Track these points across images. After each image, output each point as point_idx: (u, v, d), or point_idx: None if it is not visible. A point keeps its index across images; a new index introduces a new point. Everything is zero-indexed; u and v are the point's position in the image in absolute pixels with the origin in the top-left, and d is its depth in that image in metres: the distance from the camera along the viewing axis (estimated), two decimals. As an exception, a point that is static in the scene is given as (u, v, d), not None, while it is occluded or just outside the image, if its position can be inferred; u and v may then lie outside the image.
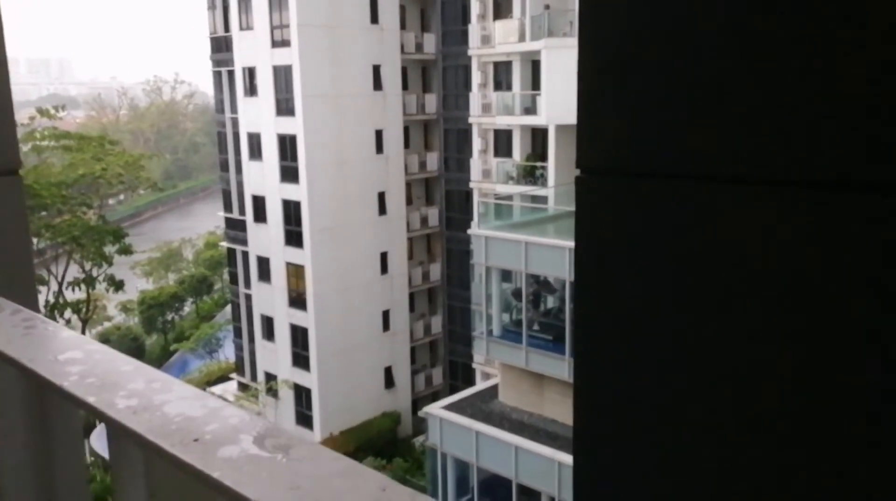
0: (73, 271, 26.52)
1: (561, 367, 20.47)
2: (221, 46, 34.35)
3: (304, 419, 32.37)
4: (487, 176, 30.27)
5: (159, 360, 46.64)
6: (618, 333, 1.02)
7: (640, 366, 1.00)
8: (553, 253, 20.03)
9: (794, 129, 0.87)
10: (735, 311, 0.92)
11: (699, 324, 0.94)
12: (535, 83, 28.27)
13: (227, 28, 33.84)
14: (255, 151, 32.58)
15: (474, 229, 23.34)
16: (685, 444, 0.96)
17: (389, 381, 34.06)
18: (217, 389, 37.21)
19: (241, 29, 32.26)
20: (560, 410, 20.90)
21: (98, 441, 37.34)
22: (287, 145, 30.98)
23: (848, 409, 0.84)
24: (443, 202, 34.40)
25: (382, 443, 31.81)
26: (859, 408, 0.83)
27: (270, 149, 31.71)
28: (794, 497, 0.89)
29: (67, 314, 26.21)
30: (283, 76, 30.63)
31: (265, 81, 31.40)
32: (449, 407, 22.43)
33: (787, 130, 0.88)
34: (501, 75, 30.11)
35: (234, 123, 34.08)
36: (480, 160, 30.53)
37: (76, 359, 1.27)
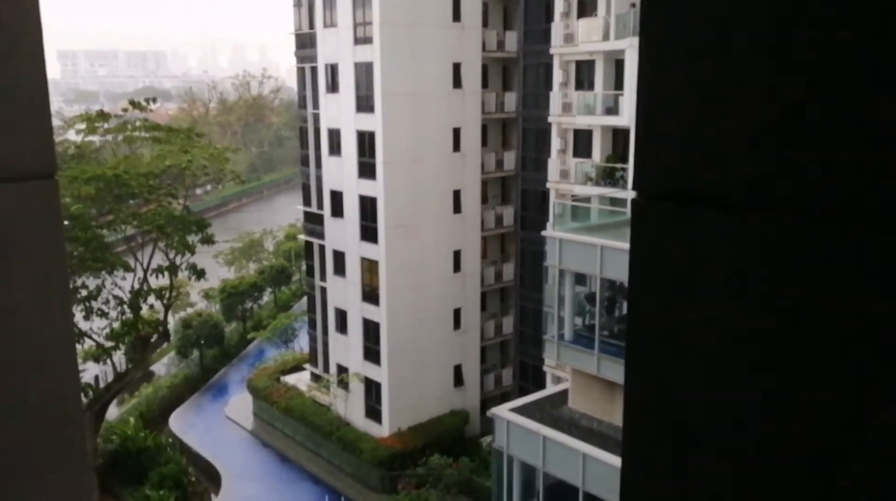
0: (158, 259, 27.51)
1: (633, 375, 19.87)
2: (306, 43, 34.99)
3: (373, 413, 32.70)
4: (565, 177, 29.78)
5: (237, 347, 48.05)
6: (672, 360, 1.00)
7: (693, 394, 0.99)
8: (629, 258, 19.44)
9: (875, 164, 0.82)
10: (794, 344, 0.89)
11: (759, 354, 0.92)
12: (619, 83, 27.61)
13: (311, 25, 34.43)
14: (335, 147, 33.06)
15: (549, 231, 22.97)
16: (737, 468, 0.96)
17: (459, 379, 34.03)
18: (291, 378, 38.08)
19: (325, 26, 32.76)
20: (631, 419, 20.31)
21: (176, 423, 38.73)
22: (365, 142, 31.30)
23: None
24: (519, 202, 34.08)
25: (450, 441, 31.80)
26: None
27: (349, 145, 32.11)
28: None
29: (151, 299, 27.19)
30: (364, 73, 30.93)
31: (347, 78, 31.80)
32: (517, 410, 22.19)
33: (869, 166, 0.83)
34: (583, 75, 29.55)
35: (316, 118, 34.67)
36: (559, 160, 30.07)
37: None
